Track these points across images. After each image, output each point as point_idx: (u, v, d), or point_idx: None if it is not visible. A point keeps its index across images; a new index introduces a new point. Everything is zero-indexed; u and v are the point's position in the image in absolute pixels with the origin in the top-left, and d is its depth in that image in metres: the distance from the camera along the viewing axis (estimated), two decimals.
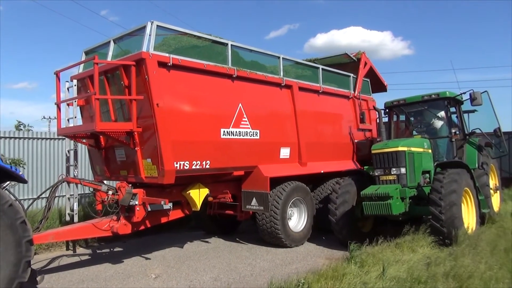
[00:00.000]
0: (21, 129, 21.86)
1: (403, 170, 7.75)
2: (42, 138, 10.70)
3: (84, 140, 7.77)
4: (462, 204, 7.53)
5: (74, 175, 7.82)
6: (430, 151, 8.50)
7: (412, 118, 9.75)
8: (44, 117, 42.78)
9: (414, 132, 9.39)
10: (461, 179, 7.53)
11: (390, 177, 7.86)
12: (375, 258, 6.02)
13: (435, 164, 8.45)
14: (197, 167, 6.93)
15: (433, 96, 8.84)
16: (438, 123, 9.06)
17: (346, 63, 11.08)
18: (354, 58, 10.92)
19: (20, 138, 10.32)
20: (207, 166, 7.09)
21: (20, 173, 5.21)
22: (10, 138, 10.12)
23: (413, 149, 8.00)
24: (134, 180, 7.17)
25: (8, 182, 5.43)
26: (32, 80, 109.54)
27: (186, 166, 6.75)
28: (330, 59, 11.13)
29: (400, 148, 7.81)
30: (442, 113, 8.96)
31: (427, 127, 9.24)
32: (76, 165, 7.94)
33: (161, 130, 6.35)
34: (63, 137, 10.50)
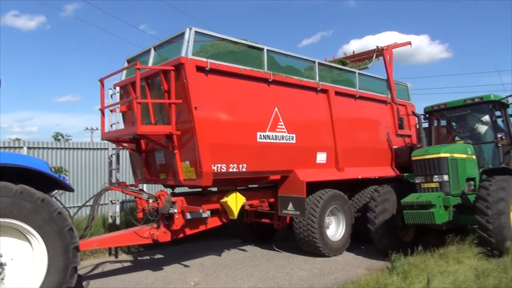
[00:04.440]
0: (60, 140, 22.78)
1: (445, 177, 7.48)
2: (85, 148, 11.16)
3: (126, 144, 8.06)
4: (511, 213, 7.15)
5: (117, 178, 8.13)
6: (474, 157, 8.16)
7: (454, 123, 9.39)
8: (86, 128, 44.72)
9: (457, 138, 9.05)
10: (509, 186, 7.17)
11: (432, 185, 7.59)
12: (418, 269, 5.81)
13: (481, 170, 8.10)
14: (234, 170, 7.00)
15: (476, 99, 8.48)
16: (482, 128, 8.67)
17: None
18: (375, 59, 10.63)
19: (65, 148, 10.81)
20: (244, 169, 7.15)
21: (67, 182, 5.46)
22: (57, 148, 10.63)
23: (456, 155, 7.71)
24: (173, 183, 7.34)
25: (56, 191, 5.68)
26: (75, 93, 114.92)
27: (223, 169, 6.84)
28: (356, 62, 10.89)
29: (442, 155, 7.55)
30: (486, 117, 8.58)
31: (470, 132, 8.88)
32: (118, 169, 8.26)
33: (199, 133, 6.49)
34: (105, 148, 10.94)
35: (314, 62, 8.64)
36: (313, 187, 8.14)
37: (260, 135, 7.42)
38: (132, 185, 8.38)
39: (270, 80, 7.64)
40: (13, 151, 9.77)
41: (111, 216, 7.91)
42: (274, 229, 9.07)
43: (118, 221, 7.78)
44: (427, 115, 9.38)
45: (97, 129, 42.92)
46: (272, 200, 8.35)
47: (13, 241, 4.61)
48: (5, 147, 9.74)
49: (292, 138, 7.95)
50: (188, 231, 7.45)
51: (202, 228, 7.60)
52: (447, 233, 7.52)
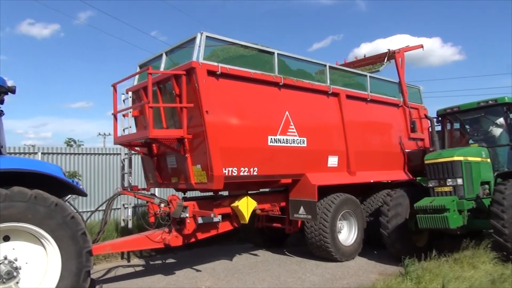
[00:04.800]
0: (72, 145, 23.14)
1: (459, 181, 7.37)
2: (98, 154, 11.29)
3: (138, 149, 8.15)
4: None
5: (129, 182, 8.20)
6: (489, 160, 8.03)
7: (467, 126, 9.27)
8: (99, 134, 45.46)
9: (471, 141, 8.93)
10: None
11: (446, 189, 7.49)
12: (432, 274, 5.73)
13: (495, 174, 7.96)
14: (245, 173, 7.01)
15: (490, 102, 8.35)
16: (497, 131, 8.53)
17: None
18: (387, 62, 10.57)
19: (78, 154, 10.96)
20: (255, 173, 7.15)
21: (80, 186, 5.53)
22: (71, 154, 10.78)
23: (470, 158, 7.60)
24: (185, 186, 7.39)
25: (69, 196, 5.76)
26: (89, 99, 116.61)
27: (235, 173, 6.85)
28: (365, 65, 10.86)
29: (455, 158, 7.45)
30: (501, 120, 8.44)
31: (484, 135, 8.74)
32: (130, 173, 8.35)
33: (210, 136, 6.52)
34: (118, 153, 11.06)
35: (325, 65, 8.63)
36: (324, 191, 8.10)
37: (271, 138, 7.42)
38: (144, 189, 8.47)
39: (280, 83, 7.65)
40: (28, 156, 9.93)
41: (123, 220, 8.06)
42: (285, 233, 9.04)
43: (130, 225, 7.90)
44: (439, 118, 9.28)
45: (109, 134, 43.53)
46: (283, 204, 8.34)
47: (27, 245, 4.69)
48: (20, 153, 9.91)
49: (303, 142, 7.93)
50: (200, 236, 7.47)
51: (213, 232, 7.62)
52: (461, 238, 7.40)
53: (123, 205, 8.12)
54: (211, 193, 8.06)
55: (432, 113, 9.69)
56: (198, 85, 6.50)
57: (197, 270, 7.66)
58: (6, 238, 4.58)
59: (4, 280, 4.43)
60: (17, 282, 4.55)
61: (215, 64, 6.75)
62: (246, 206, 7.48)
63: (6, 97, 5.50)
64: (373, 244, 8.68)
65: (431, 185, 7.76)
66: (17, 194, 4.43)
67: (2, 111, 5.40)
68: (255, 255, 8.96)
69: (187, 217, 6.92)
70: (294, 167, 7.81)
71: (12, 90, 5.33)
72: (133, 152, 8.69)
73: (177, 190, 8.51)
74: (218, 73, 6.75)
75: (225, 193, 8.27)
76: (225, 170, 6.70)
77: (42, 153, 10.20)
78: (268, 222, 8.97)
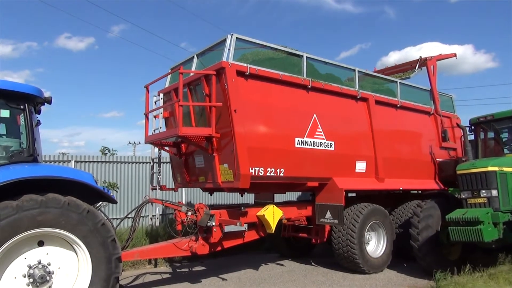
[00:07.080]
0: (106, 153, 23.89)
1: (494, 192, 7.09)
2: (128, 162, 11.55)
3: (167, 148, 8.33)
4: None
5: (158, 181, 8.37)
6: None
7: (503, 135, 8.93)
8: (130, 142, 46.55)
9: (506, 151, 8.59)
10: None
11: (480, 200, 7.22)
12: None
13: None
14: (272, 174, 7.00)
15: None
16: None
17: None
18: (418, 70, 10.36)
19: (109, 162, 11.25)
20: (281, 174, 7.13)
21: (111, 194, 5.68)
22: (102, 162, 11.09)
23: (505, 169, 7.31)
24: (212, 185, 7.46)
25: (100, 203, 5.93)
26: (120, 109, 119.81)
27: (261, 173, 6.85)
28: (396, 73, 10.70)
29: (490, 168, 7.18)
30: None
31: None
32: (159, 172, 8.55)
33: (238, 135, 6.56)
34: (147, 161, 11.30)
35: (354, 70, 8.57)
36: (352, 200, 7.96)
37: (298, 140, 7.39)
38: (172, 189, 8.61)
39: (309, 86, 7.63)
40: (62, 164, 10.28)
41: (151, 218, 8.23)
42: (311, 244, 8.93)
43: (157, 223, 8.04)
44: (472, 127, 9.00)
45: (139, 143, 44.56)
46: (309, 214, 8.26)
47: (60, 250, 4.85)
48: (54, 161, 10.28)
49: (331, 145, 7.86)
50: (226, 244, 7.47)
51: (239, 241, 7.60)
52: (497, 252, 7.10)
53: (151, 203, 8.33)
54: (237, 203, 8.08)
55: (465, 122, 9.42)
56: (227, 84, 6.59)
57: (223, 279, 7.67)
58: (41, 243, 4.75)
59: (38, 284, 4.59)
60: (49, 286, 4.70)
61: (244, 65, 6.83)
62: (273, 215, 7.44)
63: (42, 108, 5.76)
64: (402, 256, 8.45)
65: (463, 196, 7.50)
66: (52, 200, 4.60)
67: (39, 121, 5.65)
68: (281, 265, 8.89)
69: (213, 225, 6.95)
70: (321, 170, 7.74)
71: (49, 101, 5.58)
72: (162, 161, 8.85)
73: (204, 190, 8.58)
74: (247, 73, 6.82)
75: (251, 201, 8.27)
76: (252, 169, 6.71)
77: (75, 161, 10.53)
78: (295, 232, 8.88)
